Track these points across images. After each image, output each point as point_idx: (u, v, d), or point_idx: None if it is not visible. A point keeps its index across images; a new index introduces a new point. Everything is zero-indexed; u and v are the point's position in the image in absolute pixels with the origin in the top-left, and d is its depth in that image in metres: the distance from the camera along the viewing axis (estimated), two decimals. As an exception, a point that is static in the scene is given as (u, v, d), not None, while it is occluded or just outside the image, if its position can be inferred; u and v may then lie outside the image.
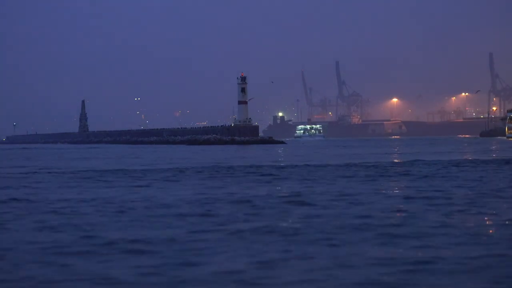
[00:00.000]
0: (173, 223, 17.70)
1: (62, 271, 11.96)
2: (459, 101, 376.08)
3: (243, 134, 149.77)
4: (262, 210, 20.32)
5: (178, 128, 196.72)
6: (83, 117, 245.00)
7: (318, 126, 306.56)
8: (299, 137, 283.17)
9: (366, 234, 15.37)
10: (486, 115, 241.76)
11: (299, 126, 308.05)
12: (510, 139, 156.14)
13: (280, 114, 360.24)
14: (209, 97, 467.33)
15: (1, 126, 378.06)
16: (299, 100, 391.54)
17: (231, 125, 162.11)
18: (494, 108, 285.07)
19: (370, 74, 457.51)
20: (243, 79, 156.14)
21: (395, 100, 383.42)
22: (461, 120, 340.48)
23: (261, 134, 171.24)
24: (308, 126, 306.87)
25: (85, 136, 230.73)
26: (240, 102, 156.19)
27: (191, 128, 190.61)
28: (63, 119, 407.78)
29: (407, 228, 16.23)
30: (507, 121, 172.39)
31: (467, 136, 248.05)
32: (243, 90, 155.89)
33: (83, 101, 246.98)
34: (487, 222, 17.27)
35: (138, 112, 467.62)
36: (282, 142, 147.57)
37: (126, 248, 13.95)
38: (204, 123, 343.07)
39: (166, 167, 48.03)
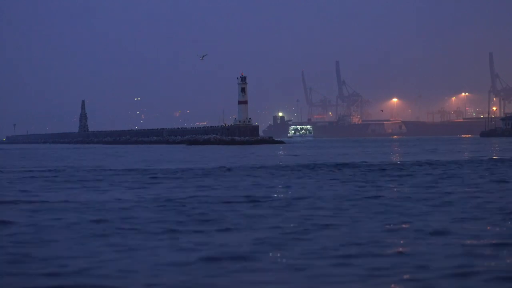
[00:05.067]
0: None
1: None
2: (459, 101, 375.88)
3: (243, 134, 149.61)
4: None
5: (178, 128, 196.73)
6: (83, 117, 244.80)
7: (308, 126, 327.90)
8: (291, 137, 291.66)
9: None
10: (486, 115, 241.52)
11: (291, 127, 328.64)
12: None
13: (280, 114, 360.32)
14: (209, 97, 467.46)
15: (1, 126, 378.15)
16: (299, 100, 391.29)
17: (222, 125, 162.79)
18: (494, 108, 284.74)
19: (370, 74, 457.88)
20: (243, 79, 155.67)
21: (395, 100, 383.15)
22: (461, 120, 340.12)
23: (261, 134, 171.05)
24: (298, 127, 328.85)
25: (85, 136, 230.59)
26: (240, 102, 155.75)
27: (191, 128, 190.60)
28: (63, 119, 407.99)
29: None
30: None
31: (468, 136, 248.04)
32: (243, 90, 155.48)
33: (83, 101, 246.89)
34: None
35: (138, 112, 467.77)
36: (282, 142, 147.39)
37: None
38: (204, 123, 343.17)
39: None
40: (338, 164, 48.18)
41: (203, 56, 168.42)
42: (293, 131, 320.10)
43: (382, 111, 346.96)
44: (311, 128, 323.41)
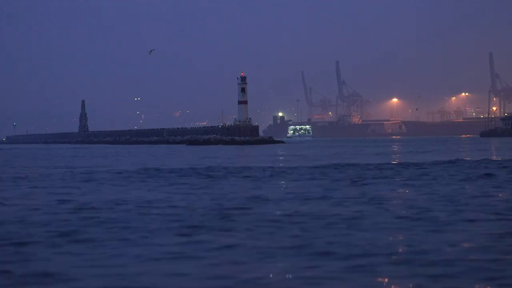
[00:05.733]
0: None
1: None
2: (459, 101, 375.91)
3: (243, 134, 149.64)
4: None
5: (178, 128, 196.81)
6: (83, 117, 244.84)
7: (307, 126, 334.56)
8: (290, 137, 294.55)
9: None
10: (486, 115, 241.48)
11: (290, 127, 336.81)
12: None
13: (280, 114, 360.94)
14: (209, 97, 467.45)
15: (1, 126, 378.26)
16: (299, 100, 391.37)
17: (221, 125, 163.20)
18: (494, 108, 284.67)
19: (370, 74, 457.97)
20: (243, 79, 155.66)
21: (395, 100, 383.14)
22: (461, 120, 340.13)
23: (261, 134, 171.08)
24: (298, 127, 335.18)
25: (85, 136, 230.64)
26: (240, 102, 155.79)
27: (191, 128, 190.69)
28: (63, 119, 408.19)
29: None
30: None
31: (468, 136, 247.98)
32: (243, 90, 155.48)
33: (83, 101, 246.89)
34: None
35: (138, 112, 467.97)
36: (282, 142, 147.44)
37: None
38: (204, 123, 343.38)
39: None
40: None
41: (151, 51, 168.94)
42: (292, 131, 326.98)
43: (417, 109, 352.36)
44: (310, 128, 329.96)
